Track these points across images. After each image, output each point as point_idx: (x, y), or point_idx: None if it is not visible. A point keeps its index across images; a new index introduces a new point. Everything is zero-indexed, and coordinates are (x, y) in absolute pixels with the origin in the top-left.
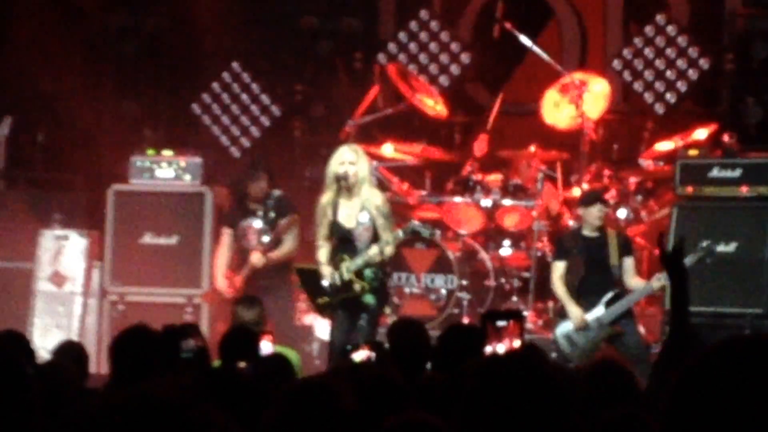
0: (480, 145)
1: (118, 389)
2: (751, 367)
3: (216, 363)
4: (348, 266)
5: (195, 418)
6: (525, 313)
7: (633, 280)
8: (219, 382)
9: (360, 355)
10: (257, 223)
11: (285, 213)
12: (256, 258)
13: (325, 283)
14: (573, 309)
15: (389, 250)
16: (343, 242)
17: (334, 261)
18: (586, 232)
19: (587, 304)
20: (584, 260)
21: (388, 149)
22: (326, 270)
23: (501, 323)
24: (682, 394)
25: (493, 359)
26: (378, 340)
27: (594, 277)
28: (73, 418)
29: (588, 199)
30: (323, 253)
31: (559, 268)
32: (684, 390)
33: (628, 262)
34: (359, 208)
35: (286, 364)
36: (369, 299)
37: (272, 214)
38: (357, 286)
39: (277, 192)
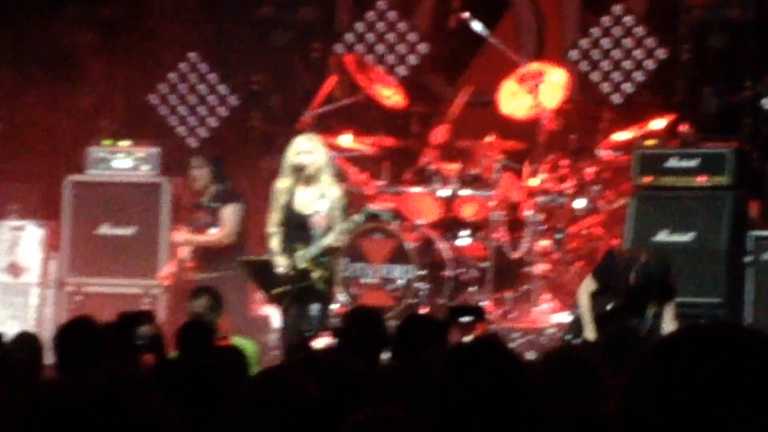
0: (438, 134)
1: (60, 380)
2: (708, 356)
3: (172, 355)
4: (303, 254)
5: (131, 406)
6: (482, 303)
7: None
8: (172, 374)
9: (320, 342)
10: (203, 216)
11: (227, 202)
12: (177, 236)
13: (280, 272)
14: (589, 330)
15: (345, 238)
16: (297, 229)
17: (288, 249)
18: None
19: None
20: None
21: (345, 139)
22: (280, 259)
23: (465, 319)
24: (639, 383)
25: (459, 348)
26: (339, 326)
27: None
28: (23, 409)
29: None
30: (275, 241)
31: (592, 285)
32: (640, 380)
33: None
34: (318, 196)
35: (239, 355)
36: (321, 287)
37: (214, 205)
38: (315, 274)
39: (221, 185)
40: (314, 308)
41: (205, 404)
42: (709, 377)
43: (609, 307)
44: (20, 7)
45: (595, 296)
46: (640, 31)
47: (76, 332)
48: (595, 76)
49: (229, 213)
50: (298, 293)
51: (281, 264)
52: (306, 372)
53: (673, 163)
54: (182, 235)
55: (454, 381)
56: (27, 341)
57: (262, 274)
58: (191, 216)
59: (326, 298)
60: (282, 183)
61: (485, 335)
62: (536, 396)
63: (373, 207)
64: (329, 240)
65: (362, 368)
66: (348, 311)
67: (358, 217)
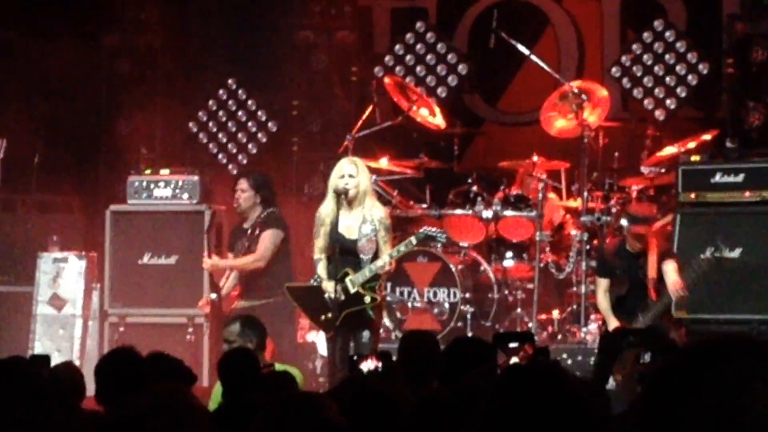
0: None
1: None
2: (722, 368)
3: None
4: (353, 279)
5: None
6: (530, 325)
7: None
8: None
9: (367, 366)
10: (244, 242)
11: (267, 228)
12: (205, 261)
13: (329, 298)
14: (614, 324)
15: (393, 262)
16: (344, 254)
17: (337, 275)
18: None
19: (627, 320)
20: (628, 278)
21: (386, 163)
22: (329, 285)
23: (512, 345)
24: (654, 395)
25: (512, 371)
26: (385, 350)
27: (633, 294)
28: None
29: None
30: (323, 266)
31: (602, 284)
32: (655, 392)
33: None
34: (361, 220)
35: (290, 380)
36: (371, 313)
37: (257, 231)
38: (367, 299)
39: (269, 210)
40: (365, 335)
41: None
42: (721, 390)
43: (622, 293)
44: (59, 38)
45: (608, 292)
46: (681, 46)
47: (118, 362)
48: (637, 93)
49: (265, 237)
50: (347, 319)
51: (331, 290)
52: (345, 397)
53: (718, 178)
54: (206, 262)
55: (507, 404)
56: (68, 370)
57: (310, 301)
58: (235, 242)
59: (376, 324)
60: (325, 206)
61: (541, 358)
62: (592, 417)
63: (430, 230)
64: (381, 263)
65: (407, 393)
66: (403, 335)
67: (413, 239)
